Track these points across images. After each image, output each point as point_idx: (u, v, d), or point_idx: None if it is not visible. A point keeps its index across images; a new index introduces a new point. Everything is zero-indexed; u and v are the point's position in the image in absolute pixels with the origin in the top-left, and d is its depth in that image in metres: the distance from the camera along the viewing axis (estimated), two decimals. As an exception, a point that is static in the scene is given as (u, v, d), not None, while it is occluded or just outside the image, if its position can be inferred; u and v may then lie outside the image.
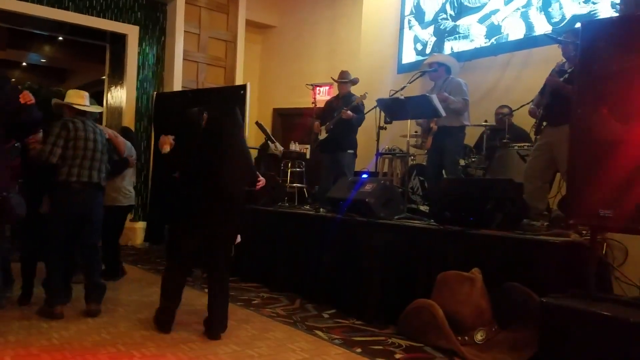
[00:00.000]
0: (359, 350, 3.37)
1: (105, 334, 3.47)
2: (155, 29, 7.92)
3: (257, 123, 6.53)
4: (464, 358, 3.18)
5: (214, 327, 3.51)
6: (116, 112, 7.88)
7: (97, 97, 9.58)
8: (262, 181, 3.93)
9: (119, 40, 7.83)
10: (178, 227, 3.72)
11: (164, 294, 3.63)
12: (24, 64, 12.32)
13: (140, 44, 7.80)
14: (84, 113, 3.98)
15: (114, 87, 8.06)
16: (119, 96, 7.90)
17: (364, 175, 5.08)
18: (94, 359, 2.98)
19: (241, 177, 3.71)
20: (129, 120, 7.66)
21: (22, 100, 3.12)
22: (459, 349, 3.21)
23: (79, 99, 3.99)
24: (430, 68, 5.43)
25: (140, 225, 7.30)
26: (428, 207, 5.06)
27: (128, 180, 5.22)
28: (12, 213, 3.38)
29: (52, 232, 3.82)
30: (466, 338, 3.28)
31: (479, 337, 3.28)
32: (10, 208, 3.36)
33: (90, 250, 3.99)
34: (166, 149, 3.73)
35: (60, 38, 9.70)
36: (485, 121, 5.71)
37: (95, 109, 4.15)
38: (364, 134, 6.15)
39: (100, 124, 5.20)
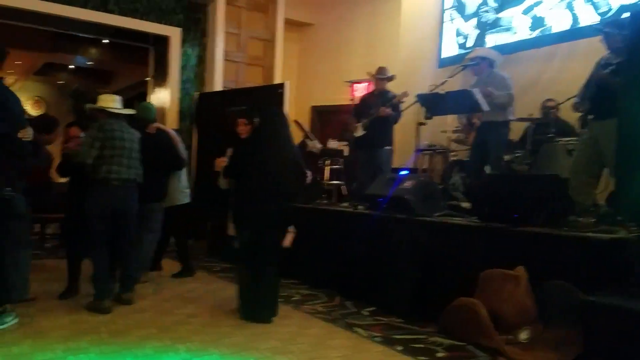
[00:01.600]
0: (399, 348, 3.35)
1: (152, 328, 3.57)
2: (197, 31, 8.05)
3: (295, 121, 6.56)
4: (508, 357, 3.11)
5: (264, 311, 3.82)
6: (160, 113, 8.04)
7: (141, 98, 9.84)
8: (309, 177, 4.15)
9: (162, 42, 7.99)
10: (238, 226, 3.94)
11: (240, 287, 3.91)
12: (71, 66, 12.75)
13: (182, 46, 7.95)
14: (117, 115, 4.19)
15: (157, 88, 8.24)
16: (162, 97, 8.08)
17: (403, 172, 5.03)
18: (141, 353, 3.07)
19: (291, 175, 3.94)
20: (172, 121, 7.82)
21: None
22: (503, 348, 3.15)
23: (111, 102, 4.20)
24: (472, 62, 5.32)
25: (183, 222, 7.45)
26: (470, 204, 4.98)
27: (184, 180, 5.39)
28: (16, 212, 3.58)
29: (93, 228, 4.01)
30: (510, 337, 3.22)
31: (523, 336, 3.21)
32: (14, 206, 3.55)
33: (126, 244, 4.20)
34: (224, 164, 4.02)
35: (106, 41, 9.99)
36: (530, 115, 5.57)
37: (127, 111, 4.36)
38: (403, 130, 6.09)
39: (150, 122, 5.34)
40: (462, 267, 3.82)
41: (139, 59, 9.12)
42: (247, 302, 3.88)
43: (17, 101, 3.60)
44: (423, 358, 3.19)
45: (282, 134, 3.98)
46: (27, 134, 3.43)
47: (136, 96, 11.88)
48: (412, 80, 6.67)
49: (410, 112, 5.72)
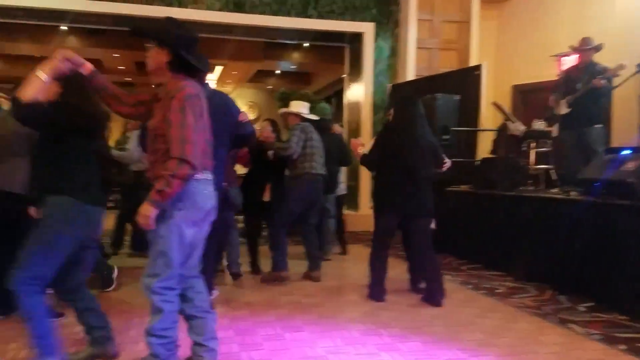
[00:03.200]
0: (622, 347, 2.99)
1: (356, 312, 3.75)
2: (389, 22, 8.17)
3: (494, 103, 6.23)
4: None
5: (436, 294, 3.92)
6: (355, 108, 8.38)
7: (338, 95, 10.32)
8: (447, 163, 4.17)
9: (357, 39, 8.29)
10: (378, 211, 4.11)
11: (372, 269, 4.08)
12: (277, 71, 13.95)
13: (375, 40, 8.14)
14: (307, 119, 4.78)
15: (353, 84, 8.57)
16: (357, 91, 8.38)
17: (625, 152, 4.43)
18: (348, 334, 3.24)
19: (427, 161, 4.01)
20: (366, 114, 8.07)
21: (240, 119, 3.72)
22: None
23: (303, 108, 4.82)
24: None
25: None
26: None
27: (341, 173, 5.98)
28: (232, 203, 4.04)
29: (289, 212, 4.59)
30: None
31: None
32: (231, 198, 3.99)
33: (311, 228, 4.82)
34: (361, 150, 4.26)
35: (306, 44, 10.72)
36: None
37: (314, 117, 4.94)
38: (623, 106, 5.39)
39: (341, 120, 5.84)
40: None
41: (336, 58, 9.59)
42: (380, 282, 4.05)
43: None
44: (654, 361, 2.80)
45: (416, 123, 4.02)
46: (246, 116, 3.90)
47: (333, 94, 12.53)
48: (631, 49, 5.83)
49: (631, 85, 5.02)
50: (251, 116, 15.50)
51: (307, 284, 4.59)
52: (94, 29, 9.63)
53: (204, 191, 2.39)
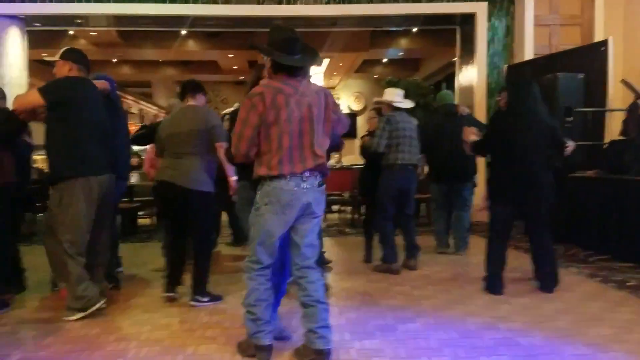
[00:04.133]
0: None
1: (472, 305, 3.62)
2: (504, 0, 7.77)
3: (622, 81, 5.69)
4: None
5: (548, 281, 3.86)
6: (468, 92, 8.08)
7: (449, 80, 10.01)
8: (570, 146, 3.91)
9: (468, 20, 7.97)
10: (493, 200, 3.98)
11: (489, 260, 3.95)
12: (384, 60, 13.82)
13: (489, 19, 7.78)
14: (399, 108, 4.69)
15: (464, 67, 8.27)
16: (469, 75, 8.07)
17: None
18: (463, 327, 3.14)
19: (543, 145, 3.82)
20: (480, 97, 7.75)
21: None
22: None
23: (395, 96, 4.71)
24: None
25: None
26: None
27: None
28: None
29: (382, 204, 4.65)
30: None
31: None
32: None
33: (408, 217, 4.78)
34: (473, 138, 4.12)
35: (414, 30, 10.50)
36: None
37: (408, 104, 4.78)
38: None
39: (455, 106, 5.55)
40: None
41: (446, 41, 9.31)
42: (497, 274, 3.91)
43: None
44: None
45: (529, 106, 3.84)
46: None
47: (443, 79, 12.17)
48: None
49: None
50: (358, 107, 15.58)
51: (419, 275, 4.54)
52: (210, 32, 10.22)
53: (285, 187, 2.55)
